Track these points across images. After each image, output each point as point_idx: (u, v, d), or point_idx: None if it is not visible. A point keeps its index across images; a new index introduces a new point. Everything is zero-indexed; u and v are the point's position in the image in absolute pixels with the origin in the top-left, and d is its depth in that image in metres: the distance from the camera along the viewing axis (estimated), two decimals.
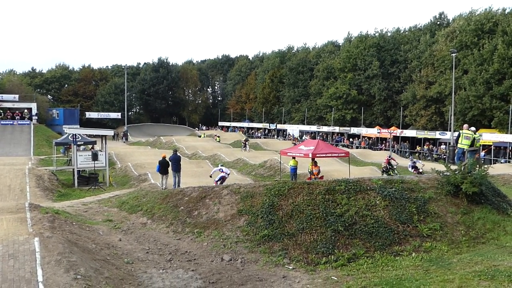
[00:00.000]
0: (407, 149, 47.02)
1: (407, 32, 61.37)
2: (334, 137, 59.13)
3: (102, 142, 26.97)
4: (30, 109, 54.37)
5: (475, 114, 43.05)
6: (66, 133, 30.56)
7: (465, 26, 46.80)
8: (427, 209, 12.45)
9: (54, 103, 77.47)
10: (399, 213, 12.14)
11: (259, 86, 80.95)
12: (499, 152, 39.12)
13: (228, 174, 20.88)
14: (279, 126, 73.03)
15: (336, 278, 9.59)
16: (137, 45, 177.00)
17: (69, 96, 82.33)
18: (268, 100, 77.70)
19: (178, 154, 21.19)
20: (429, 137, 46.71)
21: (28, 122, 51.42)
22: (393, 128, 50.55)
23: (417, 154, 44.95)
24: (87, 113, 73.73)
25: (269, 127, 75.18)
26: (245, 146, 45.14)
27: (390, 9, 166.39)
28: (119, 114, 73.75)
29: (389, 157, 28.19)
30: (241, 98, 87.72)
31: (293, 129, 68.73)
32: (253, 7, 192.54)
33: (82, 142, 28.71)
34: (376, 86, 57.39)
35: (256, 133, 76.48)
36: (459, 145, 15.21)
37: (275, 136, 70.92)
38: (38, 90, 77.04)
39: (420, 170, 25.03)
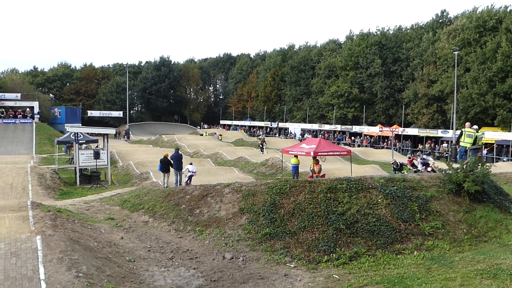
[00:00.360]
0: (409, 148, 46.94)
1: (408, 30, 61.19)
2: (336, 136, 59.06)
3: (104, 141, 27.01)
4: (32, 108, 54.49)
5: (478, 112, 42.93)
6: (68, 131, 30.64)
7: (467, 24, 46.66)
8: (429, 207, 12.43)
9: (56, 102, 77.61)
10: (401, 212, 12.12)
11: (261, 85, 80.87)
12: (501, 150, 39.04)
13: (195, 173, 21.42)
14: (281, 125, 73.01)
15: (337, 277, 9.59)
16: (139, 43, 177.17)
17: (71, 94, 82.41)
18: (269, 99, 77.64)
19: (180, 152, 21.18)
20: (431, 135, 46.62)
21: (30, 121, 51.56)
22: (395, 126, 50.50)
23: (419, 153, 44.90)
24: (89, 111, 73.77)
25: (271, 125, 75.16)
26: (262, 149, 40.45)
27: (392, 7, 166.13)
28: (121, 112, 73.80)
29: (410, 158, 27.28)
30: (242, 96, 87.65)
31: (295, 128, 68.70)
32: (254, 6, 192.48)
33: (84, 141, 28.77)
34: (378, 84, 57.28)
35: (258, 131, 76.46)
36: (461, 143, 15.17)
37: (277, 135, 70.92)
38: (40, 88, 77.15)
39: (432, 168, 23.22)
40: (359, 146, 51.64)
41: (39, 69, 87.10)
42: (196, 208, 13.82)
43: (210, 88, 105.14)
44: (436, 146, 44.92)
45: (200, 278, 9.87)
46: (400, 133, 48.63)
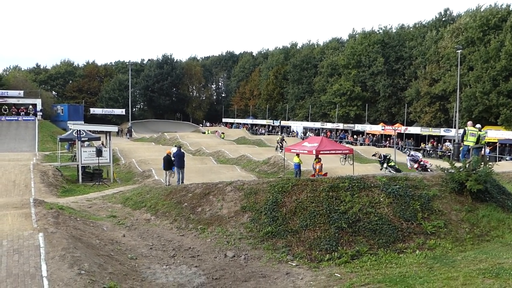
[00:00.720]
0: (411, 146, 46.88)
1: (411, 29, 61.01)
2: (338, 134, 59.00)
3: (106, 138, 27.06)
4: (35, 105, 54.65)
5: (481, 111, 42.81)
6: (71, 129, 30.70)
7: (470, 22, 46.50)
8: (431, 206, 12.41)
9: (58, 99, 77.71)
10: (403, 211, 12.11)
11: (263, 83, 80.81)
12: (504, 149, 38.93)
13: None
14: (283, 123, 72.98)
15: (339, 275, 9.58)
16: (141, 41, 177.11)
17: (73, 92, 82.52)
18: (272, 97, 77.59)
19: (182, 150, 21.21)
20: (433, 134, 46.51)
21: (33, 118, 51.70)
22: (397, 125, 50.39)
23: (422, 151, 44.83)
24: (91, 109, 73.88)
25: (273, 123, 75.13)
26: (281, 148, 37.22)
27: (395, 6, 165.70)
28: (123, 110, 73.90)
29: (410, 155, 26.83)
30: (245, 94, 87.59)
31: (297, 126, 68.67)
32: (257, 4, 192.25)
33: (87, 138, 28.83)
34: (380, 83, 57.15)
35: (260, 129, 76.46)
36: (465, 142, 15.15)
37: (279, 133, 70.92)
38: (43, 86, 77.23)
39: (420, 165, 22.87)
40: (361, 144, 51.59)
41: (41, 67, 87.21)
42: (198, 206, 13.83)
43: (212, 86, 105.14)
44: (439, 144, 44.81)
45: (202, 276, 9.88)
46: (402, 131, 48.53)
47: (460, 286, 7.67)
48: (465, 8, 78.65)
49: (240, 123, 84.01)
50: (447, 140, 43.84)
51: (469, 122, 16.09)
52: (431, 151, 44.03)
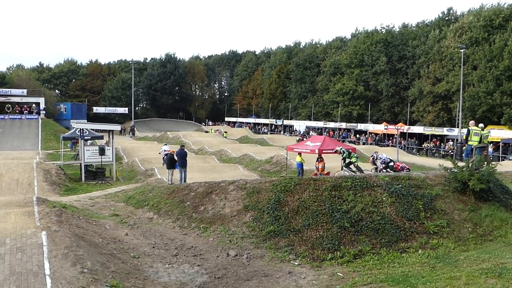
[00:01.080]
0: (414, 146, 46.78)
1: (414, 28, 60.87)
2: (340, 133, 58.92)
3: (109, 137, 27.09)
4: (38, 104, 54.81)
5: (484, 110, 42.67)
6: (74, 127, 30.76)
7: (474, 22, 46.34)
8: (434, 206, 12.38)
9: (61, 98, 77.89)
10: (405, 210, 12.08)
11: (266, 82, 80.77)
12: (507, 149, 38.78)
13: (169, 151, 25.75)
14: (286, 122, 72.92)
15: (341, 275, 9.57)
16: (144, 40, 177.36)
17: (76, 91, 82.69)
18: (274, 96, 77.55)
19: (185, 149, 21.22)
20: (436, 133, 46.37)
21: (36, 117, 51.84)
22: (400, 124, 50.28)
23: (425, 150, 44.74)
24: (94, 108, 74.01)
25: (276, 122, 75.09)
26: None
27: (398, 5, 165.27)
28: (126, 109, 74.01)
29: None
30: (247, 93, 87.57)
31: (300, 125, 68.61)
32: (260, 3, 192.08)
33: (90, 137, 28.88)
34: (383, 82, 57.03)
35: (263, 128, 76.44)
36: (469, 142, 15.09)
37: (282, 132, 70.87)
38: (46, 85, 77.41)
39: (390, 168, 19.42)
40: (364, 144, 51.48)
41: (45, 65, 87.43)
42: (201, 205, 13.84)
43: (215, 85, 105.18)
44: (442, 144, 44.70)
45: (204, 275, 9.89)
46: (405, 131, 48.41)
47: (463, 286, 7.65)
48: (469, 7, 78.23)
49: (243, 122, 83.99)
50: (450, 140, 43.70)
51: (472, 122, 16.03)
52: (434, 151, 43.89)
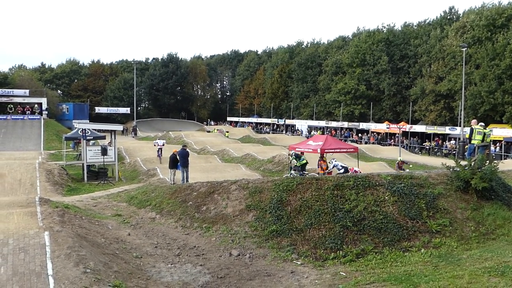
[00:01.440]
0: (416, 145, 46.72)
1: (415, 27, 60.76)
2: (342, 133, 58.88)
3: (111, 137, 27.12)
4: (40, 104, 54.85)
5: (487, 109, 42.59)
6: (76, 128, 30.79)
7: (476, 21, 46.23)
8: (436, 204, 12.36)
9: (64, 98, 78.04)
10: (408, 209, 12.07)
11: (268, 81, 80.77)
12: (510, 147, 38.71)
13: (163, 144, 31.92)
14: (288, 122, 72.90)
15: (344, 274, 9.57)
16: (146, 40, 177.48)
17: (78, 91, 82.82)
18: (276, 95, 77.54)
19: (187, 149, 21.22)
20: (438, 132, 46.31)
21: (38, 117, 51.88)
22: (402, 123, 50.19)
23: (426, 150, 44.66)
24: (96, 108, 74.13)
25: (278, 122, 75.09)
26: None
27: (399, 4, 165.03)
28: (128, 109, 74.10)
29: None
30: (249, 93, 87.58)
31: (302, 124, 68.58)
32: (262, 2, 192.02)
33: (92, 137, 28.92)
34: (385, 81, 56.96)
35: (265, 128, 76.42)
36: (472, 141, 15.04)
37: (284, 132, 70.84)
38: (48, 85, 77.59)
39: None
40: (366, 143, 51.46)
41: (47, 66, 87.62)
42: (203, 205, 13.84)
43: (217, 84, 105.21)
44: (444, 143, 44.63)
45: (207, 275, 9.89)
46: (407, 130, 48.37)
47: (466, 285, 7.63)
48: (470, 5, 78.19)
49: (245, 122, 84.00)
50: (452, 139, 43.64)
51: (474, 121, 15.98)
52: (436, 150, 43.83)
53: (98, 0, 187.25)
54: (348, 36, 72.11)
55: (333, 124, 61.95)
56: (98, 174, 25.17)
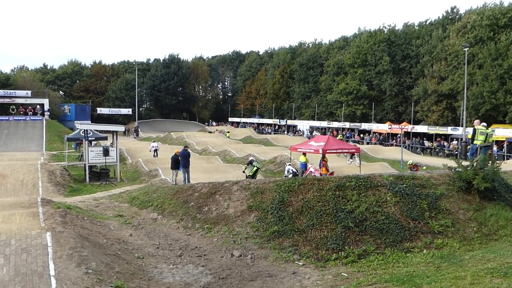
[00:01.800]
0: (418, 145, 46.67)
1: (416, 27, 60.69)
2: (344, 133, 58.85)
3: (113, 138, 27.15)
4: (42, 105, 55.01)
5: (489, 109, 42.51)
6: (78, 128, 30.85)
7: (478, 20, 46.14)
8: (438, 205, 12.34)
9: (65, 99, 78.14)
10: (410, 210, 12.05)
11: (269, 82, 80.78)
12: None
13: (157, 146, 35.26)
14: (289, 122, 72.89)
15: (346, 275, 9.55)
16: (148, 41, 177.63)
17: (80, 92, 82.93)
18: (278, 96, 77.55)
19: (188, 150, 21.24)
20: (440, 132, 46.24)
21: (40, 118, 52.01)
22: (404, 123, 50.16)
23: (428, 150, 44.60)
24: (98, 109, 74.21)
25: (279, 122, 75.07)
26: (351, 157, 29.78)
27: (401, 4, 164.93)
28: (130, 110, 74.21)
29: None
30: (251, 94, 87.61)
31: (303, 125, 68.55)
32: (263, 3, 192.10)
33: (94, 138, 28.96)
34: (386, 82, 56.90)
35: (266, 129, 76.42)
36: (475, 141, 15.00)
37: (285, 132, 70.83)
38: (50, 86, 77.70)
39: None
40: (368, 143, 51.41)
41: (49, 67, 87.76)
42: (205, 205, 13.84)
43: (218, 85, 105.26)
44: (446, 143, 44.57)
45: (209, 276, 9.89)
46: (409, 130, 48.31)
47: (468, 286, 7.61)
48: (472, 5, 78.06)
49: (247, 123, 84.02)
50: (454, 139, 43.57)
51: (476, 121, 15.95)
52: (438, 150, 43.76)
53: (99, 1, 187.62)
54: (349, 36, 72.17)
55: (335, 124, 61.92)
56: (100, 175, 25.20)
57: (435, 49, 51.09)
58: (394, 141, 49.58)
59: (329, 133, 57.34)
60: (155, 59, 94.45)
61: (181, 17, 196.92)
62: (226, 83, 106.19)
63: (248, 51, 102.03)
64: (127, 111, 74.72)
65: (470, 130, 19.08)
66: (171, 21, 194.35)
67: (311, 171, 22.04)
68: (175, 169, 20.18)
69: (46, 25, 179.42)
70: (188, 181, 19.35)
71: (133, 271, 9.55)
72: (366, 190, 12.68)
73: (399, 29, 61.47)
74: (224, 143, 47.18)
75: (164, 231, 13.03)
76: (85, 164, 25.47)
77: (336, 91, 62.65)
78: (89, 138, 26.80)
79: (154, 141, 39.32)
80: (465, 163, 13.54)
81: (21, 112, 53.54)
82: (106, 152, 24.55)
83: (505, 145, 38.29)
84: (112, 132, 27.91)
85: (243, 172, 21.07)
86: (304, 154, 24.11)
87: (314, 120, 67.48)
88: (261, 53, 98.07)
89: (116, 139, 26.59)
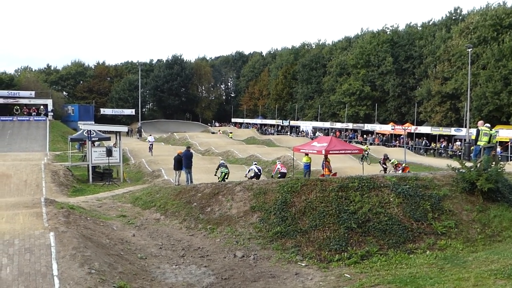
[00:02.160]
0: (422, 146, 46.56)
1: (419, 28, 60.56)
2: (347, 134, 58.76)
3: (116, 138, 27.20)
4: (46, 106, 55.18)
5: (492, 110, 42.36)
6: (81, 129, 30.92)
7: (481, 21, 45.99)
8: (441, 206, 12.31)
9: (69, 100, 78.32)
10: (413, 211, 12.02)
11: (272, 83, 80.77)
12: None
13: (153, 140, 38.16)
14: (292, 123, 72.82)
15: (349, 276, 9.54)
16: (151, 42, 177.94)
17: (84, 92, 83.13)
18: (281, 97, 77.51)
19: (191, 150, 21.23)
20: (444, 133, 46.10)
21: (44, 118, 52.15)
22: (407, 124, 50.05)
23: (432, 151, 44.48)
24: (101, 109, 74.34)
25: (282, 123, 75.04)
26: (384, 165, 26.99)
27: (404, 4, 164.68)
28: (133, 110, 74.31)
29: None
30: (254, 94, 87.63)
31: (306, 126, 68.49)
32: (266, 4, 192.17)
33: (97, 138, 29.02)
34: (390, 82, 56.80)
35: (269, 129, 76.40)
36: (478, 142, 14.95)
37: (288, 133, 70.79)
38: (54, 86, 77.89)
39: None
40: (371, 144, 51.31)
41: (52, 67, 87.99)
42: (208, 206, 13.85)
43: (221, 86, 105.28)
44: (449, 144, 44.44)
45: (211, 276, 9.90)
46: (412, 131, 48.19)
47: (471, 287, 7.59)
48: (476, 6, 77.76)
49: (250, 123, 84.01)
50: (458, 140, 43.43)
51: (480, 122, 15.89)
52: (441, 151, 43.64)
53: (103, 2, 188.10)
54: (351, 36, 72.06)
55: (338, 125, 61.83)
56: (103, 175, 25.24)
57: (439, 49, 50.94)
58: (397, 142, 49.47)
59: (332, 134, 57.27)
60: (158, 60, 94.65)
61: (184, 18, 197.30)
62: (229, 83, 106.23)
63: (251, 52, 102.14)
64: (130, 111, 74.84)
65: (473, 131, 19.00)
66: (175, 22, 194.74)
67: (278, 168, 22.26)
68: (178, 169, 20.16)
69: (50, 26, 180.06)
70: (191, 182, 19.34)
71: (136, 271, 9.56)
72: (369, 191, 12.67)
73: (402, 30, 61.38)
74: (227, 143, 47.21)
75: (167, 232, 13.04)
76: (88, 165, 25.53)
77: (339, 92, 62.58)
78: (93, 139, 26.86)
79: (150, 135, 43.18)
80: (468, 164, 13.50)
81: (25, 113, 53.72)
82: (109, 153, 24.58)
83: (509, 146, 38.14)
84: (115, 132, 27.96)
85: (215, 175, 21.12)
86: (307, 154, 24.06)
87: (317, 121, 67.38)
88: (264, 53, 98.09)
89: (119, 139, 26.63)
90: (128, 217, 14.76)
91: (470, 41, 44.04)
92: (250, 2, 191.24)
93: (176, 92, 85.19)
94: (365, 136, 56.43)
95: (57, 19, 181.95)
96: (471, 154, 16.18)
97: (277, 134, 68.89)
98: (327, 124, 63.88)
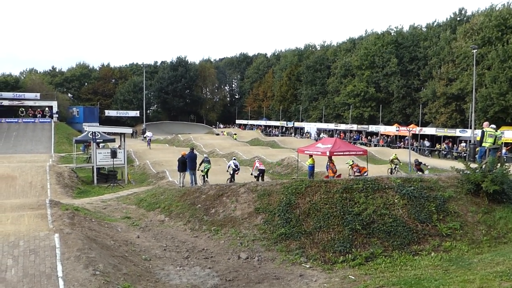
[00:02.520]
0: (426, 147, 46.39)
1: (424, 29, 60.37)
2: (352, 135, 58.67)
3: (121, 140, 27.26)
4: (51, 107, 55.42)
5: (497, 111, 42.15)
6: (86, 131, 31.02)
7: (486, 22, 45.80)
8: (446, 208, 12.26)
9: (74, 101, 78.66)
10: (418, 212, 11.98)
11: (277, 84, 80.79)
12: None
13: (151, 136, 40.15)
14: (297, 124, 72.78)
15: (353, 277, 9.51)
16: (155, 44, 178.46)
17: (88, 94, 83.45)
18: (285, 98, 77.50)
19: (195, 152, 21.25)
20: (449, 134, 45.93)
21: (49, 120, 52.39)
22: (412, 125, 49.89)
23: (436, 152, 44.33)
24: (106, 111, 74.62)
25: (287, 125, 75.01)
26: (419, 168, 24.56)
27: (408, 6, 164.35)
28: (138, 112, 74.53)
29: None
30: (258, 96, 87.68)
31: (311, 127, 68.42)
32: (270, 6, 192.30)
33: (102, 140, 29.09)
34: (394, 84, 56.66)
35: (274, 131, 76.39)
36: (483, 144, 14.88)
37: (293, 134, 70.75)
38: (59, 88, 78.25)
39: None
40: (375, 145, 51.18)
41: (57, 69, 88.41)
42: (212, 207, 13.85)
43: (226, 87, 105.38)
44: (454, 145, 44.28)
45: (215, 278, 9.90)
46: (417, 132, 48.04)
47: None
48: (481, 7, 77.47)
49: (254, 125, 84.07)
50: (463, 141, 43.26)
51: (486, 123, 15.82)
52: (446, 152, 43.48)
53: (108, 4, 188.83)
54: (355, 37, 71.90)
55: (342, 126, 61.75)
56: (108, 177, 25.30)
57: (443, 50, 50.77)
58: (402, 143, 49.33)
59: (336, 135, 57.18)
60: (162, 62, 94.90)
61: (188, 20, 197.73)
62: (233, 85, 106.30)
63: (256, 54, 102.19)
64: (135, 113, 75.07)
65: (478, 132, 18.90)
66: (179, 23, 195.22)
67: (256, 166, 22.41)
68: (182, 171, 20.19)
69: (54, 29, 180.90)
70: (195, 183, 19.37)
71: (140, 273, 9.58)
72: (373, 192, 12.64)
73: (406, 31, 61.22)
74: (231, 145, 47.22)
75: (171, 233, 13.05)
76: (93, 166, 25.60)
77: (343, 93, 62.50)
78: (97, 140, 26.93)
79: (149, 131, 45.01)
80: (473, 165, 13.45)
81: (30, 115, 53.98)
82: (114, 154, 24.64)
83: None
84: (120, 134, 28.03)
85: (200, 170, 21.29)
86: (311, 156, 24.03)
87: (321, 122, 67.33)
88: (268, 55, 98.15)
89: (124, 141, 26.69)
90: (132, 218, 14.79)
91: (475, 42, 43.85)
92: (254, 4, 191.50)
93: (180, 94, 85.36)
94: (369, 137, 56.34)
95: (62, 21, 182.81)
96: (476, 156, 16.11)
97: (282, 136, 68.88)
98: (331, 126, 63.80)
